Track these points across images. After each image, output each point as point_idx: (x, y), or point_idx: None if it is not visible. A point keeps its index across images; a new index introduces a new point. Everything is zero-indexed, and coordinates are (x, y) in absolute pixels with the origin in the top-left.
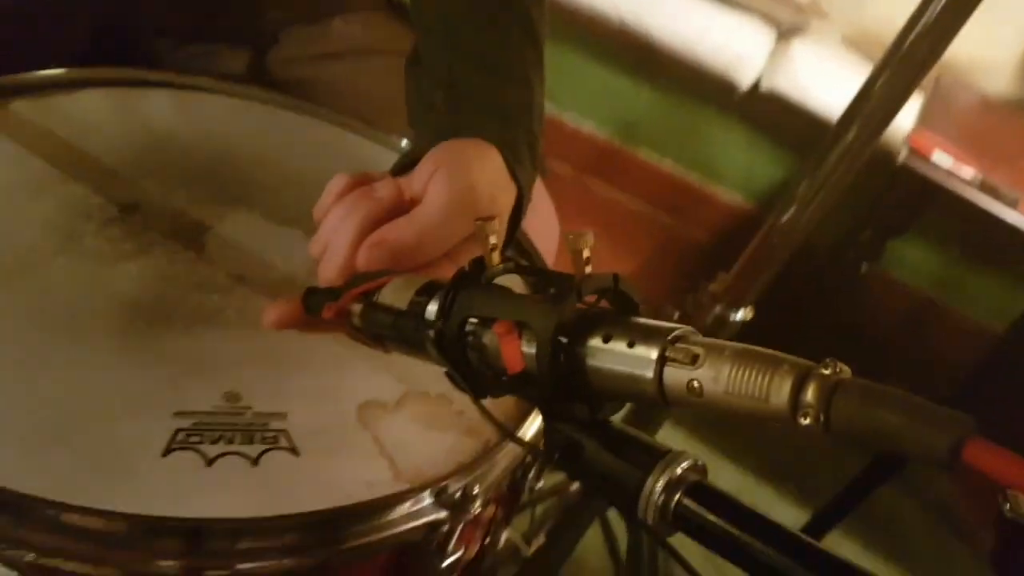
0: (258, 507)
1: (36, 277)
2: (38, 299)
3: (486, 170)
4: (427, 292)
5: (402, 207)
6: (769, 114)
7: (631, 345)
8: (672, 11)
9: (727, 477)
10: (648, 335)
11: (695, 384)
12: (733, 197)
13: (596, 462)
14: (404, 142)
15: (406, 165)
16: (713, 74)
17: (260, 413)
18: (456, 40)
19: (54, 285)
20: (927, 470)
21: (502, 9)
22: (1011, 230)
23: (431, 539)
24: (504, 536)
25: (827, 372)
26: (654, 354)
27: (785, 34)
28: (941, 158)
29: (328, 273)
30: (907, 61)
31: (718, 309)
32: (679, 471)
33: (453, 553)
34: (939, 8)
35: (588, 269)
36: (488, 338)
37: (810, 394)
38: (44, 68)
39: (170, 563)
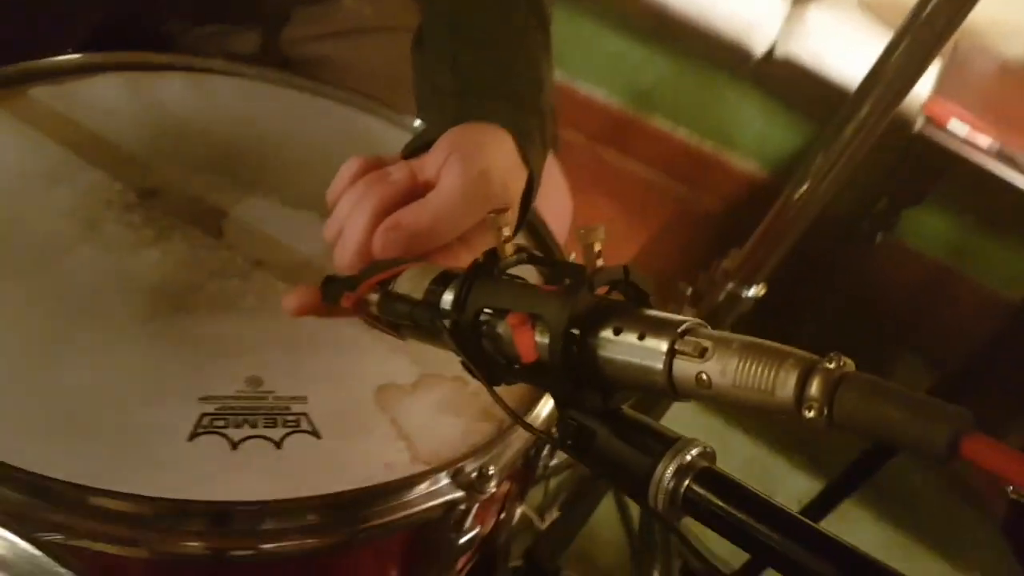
0: (282, 489)
1: (60, 265)
2: (63, 287)
3: (498, 155)
4: (442, 282)
5: (415, 191)
6: (784, 81)
7: (641, 337)
8: None
9: (740, 448)
10: (658, 328)
11: (704, 377)
12: (748, 165)
13: (607, 449)
14: (417, 122)
15: (418, 148)
16: (727, 40)
17: (282, 397)
18: (461, 20)
19: (78, 272)
20: None
21: None
22: None
23: (448, 518)
24: (519, 511)
25: (831, 366)
26: (664, 347)
27: None
28: (957, 127)
29: (343, 257)
30: (927, 27)
31: (731, 286)
32: (688, 458)
33: (470, 530)
34: None
35: (599, 263)
36: (502, 328)
37: (814, 388)
38: (57, 50)
39: (197, 544)
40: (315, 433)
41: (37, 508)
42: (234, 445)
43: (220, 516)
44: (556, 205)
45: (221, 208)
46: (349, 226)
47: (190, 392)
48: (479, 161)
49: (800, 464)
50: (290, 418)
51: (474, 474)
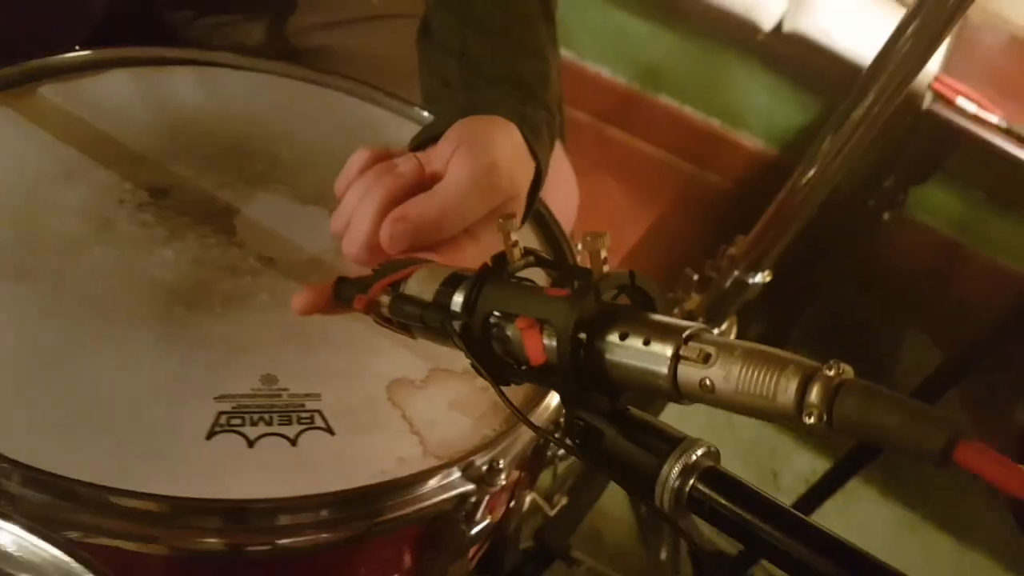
0: (298, 485)
1: (75, 265)
2: (79, 288)
3: (506, 148)
4: (452, 284)
5: (423, 183)
6: (792, 56)
7: (647, 343)
8: None
9: (748, 427)
10: (663, 333)
11: (707, 382)
12: (756, 142)
13: (614, 449)
14: (425, 113)
15: (426, 140)
16: (734, 16)
17: (295, 394)
18: (468, 12)
19: (93, 273)
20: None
21: None
22: None
23: (460, 510)
24: (528, 499)
25: (831, 373)
26: (668, 352)
27: None
28: (966, 104)
29: (351, 249)
30: (939, 5)
31: (737, 273)
32: (694, 457)
33: (481, 521)
34: None
35: (606, 268)
36: (511, 331)
37: (814, 395)
38: (63, 45)
39: (215, 540)
40: (329, 429)
41: (59, 509)
42: (251, 443)
43: (237, 513)
44: (563, 196)
45: (232, 205)
46: (356, 217)
47: (206, 391)
48: (487, 154)
49: (807, 443)
50: (304, 415)
51: (485, 467)
